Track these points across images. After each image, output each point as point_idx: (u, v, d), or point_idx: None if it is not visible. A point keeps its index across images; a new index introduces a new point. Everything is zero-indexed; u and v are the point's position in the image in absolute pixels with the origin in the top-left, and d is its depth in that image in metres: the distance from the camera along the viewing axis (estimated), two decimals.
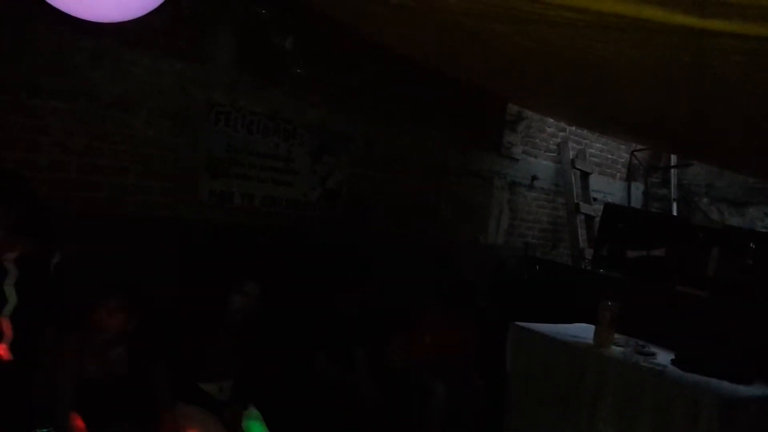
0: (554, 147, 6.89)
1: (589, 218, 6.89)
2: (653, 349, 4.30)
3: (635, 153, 7.87)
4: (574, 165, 6.88)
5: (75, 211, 3.52)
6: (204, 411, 3.29)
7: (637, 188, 8.10)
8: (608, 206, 6.15)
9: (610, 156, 7.70)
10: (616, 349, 4.23)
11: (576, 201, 6.80)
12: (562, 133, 6.94)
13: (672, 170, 7.95)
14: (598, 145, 7.45)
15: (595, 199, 7.10)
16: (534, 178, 6.69)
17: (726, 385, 3.84)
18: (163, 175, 3.93)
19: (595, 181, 7.25)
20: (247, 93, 4.23)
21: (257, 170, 4.35)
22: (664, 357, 4.19)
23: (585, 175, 7.04)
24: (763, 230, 6.62)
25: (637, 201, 8.05)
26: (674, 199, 7.90)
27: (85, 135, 3.59)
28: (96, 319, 3.01)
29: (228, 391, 3.44)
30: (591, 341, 4.33)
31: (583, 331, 4.53)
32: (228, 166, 4.20)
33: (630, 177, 7.99)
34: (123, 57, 3.67)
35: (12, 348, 2.74)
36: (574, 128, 7.03)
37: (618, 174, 7.89)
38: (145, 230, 3.80)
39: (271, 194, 4.46)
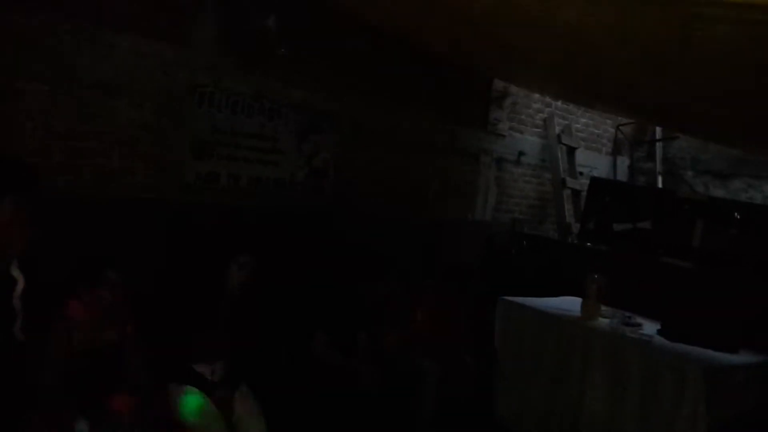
0: (540, 122, 6.90)
1: (575, 193, 6.92)
2: (640, 320, 4.36)
3: (620, 127, 7.89)
4: (560, 140, 6.89)
5: (60, 195, 3.49)
6: (195, 391, 3.30)
7: (623, 162, 8.14)
8: (594, 180, 6.18)
9: (595, 131, 7.71)
10: (603, 321, 4.29)
11: (562, 176, 6.82)
12: (548, 109, 6.94)
13: (657, 144, 7.98)
14: (583, 120, 7.46)
15: (581, 174, 7.12)
16: (520, 153, 6.70)
17: (711, 353, 3.90)
18: (148, 157, 3.90)
19: (581, 156, 7.27)
20: (230, 73, 4.19)
21: (243, 151, 4.33)
22: (650, 328, 4.25)
23: (571, 150, 7.05)
24: (747, 201, 6.67)
25: (622, 175, 8.09)
26: (659, 173, 7.94)
27: (68, 119, 3.55)
28: (86, 298, 3.02)
29: (219, 371, 3.44)
30: (578, 314, 4.39)
31: (570, 304, 4.58)
32: (213, 148, 4.18)
33: (615, 151, 8.02)
34: (104, 40, 3.63)
35: (22, 328, 2.77)
36: (559, 103, 7.03)
37: (604, 148, 7.91)
38: (132, 213, 3.78)
39: (257, 175, 4.44)
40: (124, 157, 3.80)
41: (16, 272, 2.75)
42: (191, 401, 3.29)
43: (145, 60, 3.80)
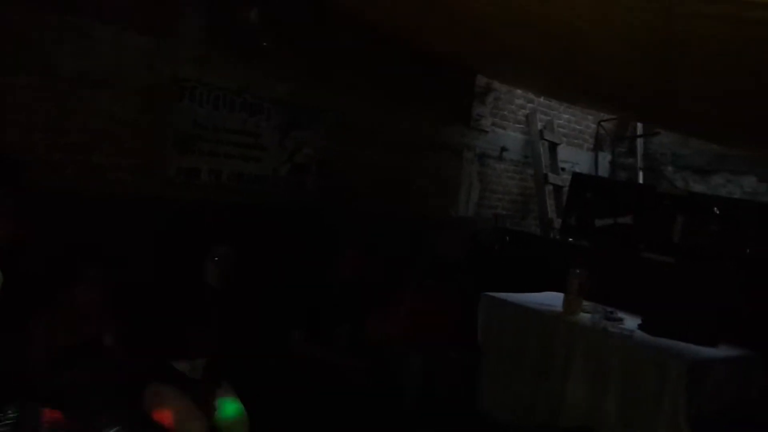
0: (523, 118, 6.92)
1: (557, 188, 6.96)
2: (621, 315, 4.38)
3: (602, 123, 7.94)
4: (542, 136, 6.92)
5: (42, 191, 3.44)
6: (176, 390, 3.26)
7: (604, 158, 8.19)
8: (576, 176, 6.20)
9: (577, 126, 7.76)
10: (584, 316, 4.31)
11: (544, 171, 6.86)
12: (530, 105, 6.97)
13: (638, 139, 8.04)
14: (565, 116, 7.50)
15: (563, 170, 7.16)
16: (503, 149, 6.72)
17: (692, 347, 3.93)
18: (131, 152, 3.87)
19: (563, 152, 7.31)
20: (213, 68, 4.16)
21: (225, 146, 4.30)
22: (631, 322, 4.27)
23: (553, 146, 7.09)
24: (727, 196, 6.75)
25: (604, 170, 8.14)
26: (640, 168, 8.00)
27: (51, 112, 3.52)
28: (68, 294, 2.99)
29: (200, 369, 3.42)
30: (560, 309, 4.40)
31: (552, 300, 4.60)
32: (195, 142, 4.14)
33: (597, 147, 8.07)
34: (87, 32, 3.58)
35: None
36: (542, 99, 7.06)
37: (585, 144, 7.96)
38: (114, 209, 3.74)
39: (239, 170, 4.41)
40: (106, 152, 3.76)
41: None
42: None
43: (128, 53, 3.76)
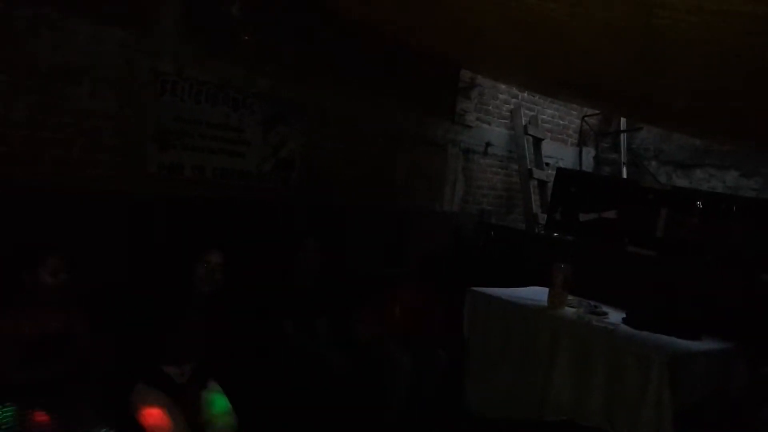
0: (507, 113, 6.93)
1: (542, 183, 6.97)
2: (605, 309, 4.41)
3: (586, 118, 7.96)
4: (526, 131, 6.93)
5: (18, 185, 3.40)
6: (161, 393, 3.22)
7: (588, 153, 8.22)
8: (560, 171, 6.23)
9: (561, 122, 7.78)
10: (569, 310, 4.33)
11: (529, 167, 6.87)
12: (514, 100, 6.97)
13: (622, 135, 8.08)
14: (549, 111, 7.52)
15: (547, 165, 7.18)
16: (488, 144, 6.72)
17: (675, 340, 3.96)
18: (110, 147, 3.80)
19: (548, 147, 7.32)
20: (193, 62, 4.11)
21: (207, 141, 4.25)
22: (615, 316, 4.30)
23: (537, 141, 7.10)
24: (709, 190, 6.79)
25: (588, 165, 8.17)
26: (624, 163, 8.04)
27: (27, 107, 3.45)
28: (31, 280, 2.94)
29: (188, 373, 3.37)
30: (545, 303, 4.41)
31: (537, 294, 4.61)
32: (177, 138, 4.09)
33: (581, 142, 8.10)
34: (64, 25, 3.52)
35: None
36: (526, 94, 7.07)
37: (569, 139, 7.98)
38: (92, 204, 3.68)
39: (222, 165, 4.37)
40: (85, 148, 3.70)
41: None
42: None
43: (106, 47, 3.70)
